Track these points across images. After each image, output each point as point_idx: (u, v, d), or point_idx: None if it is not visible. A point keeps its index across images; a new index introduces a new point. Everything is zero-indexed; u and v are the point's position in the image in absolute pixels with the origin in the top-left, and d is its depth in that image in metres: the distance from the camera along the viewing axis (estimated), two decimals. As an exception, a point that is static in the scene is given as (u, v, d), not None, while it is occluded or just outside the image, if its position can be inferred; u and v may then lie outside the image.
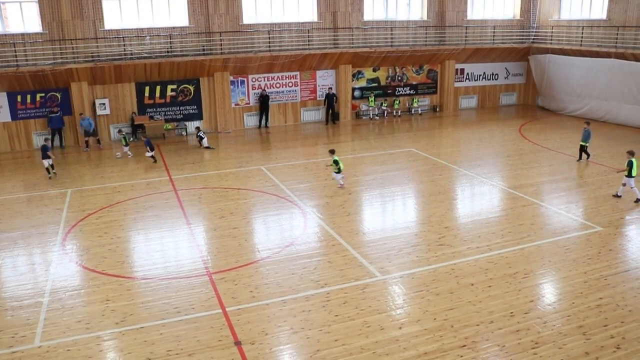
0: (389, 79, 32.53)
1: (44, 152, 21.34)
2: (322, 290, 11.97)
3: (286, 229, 15.92)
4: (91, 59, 26.03)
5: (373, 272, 12.73)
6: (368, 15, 31.32)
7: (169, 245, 14.81)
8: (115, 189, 19.68)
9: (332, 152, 19.21)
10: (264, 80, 29.74)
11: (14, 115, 26.18)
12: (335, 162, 18.69)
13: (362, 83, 32.04)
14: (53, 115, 26.09)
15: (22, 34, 25.61)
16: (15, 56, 25.22)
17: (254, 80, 29.58)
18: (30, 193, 19.80)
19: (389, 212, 17.38)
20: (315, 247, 14.44)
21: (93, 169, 22.60)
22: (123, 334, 10.53)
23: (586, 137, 21.56)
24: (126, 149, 24.25)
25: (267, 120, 30.11)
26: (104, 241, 15.04)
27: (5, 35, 25.45)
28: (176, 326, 10.70)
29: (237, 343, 10.06)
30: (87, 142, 26.06)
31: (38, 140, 26.21)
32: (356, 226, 15.97)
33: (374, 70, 32.03)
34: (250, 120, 30.11)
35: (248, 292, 11.97)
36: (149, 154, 22.78)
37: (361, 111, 32.19)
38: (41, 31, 25.74)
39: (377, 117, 32.09)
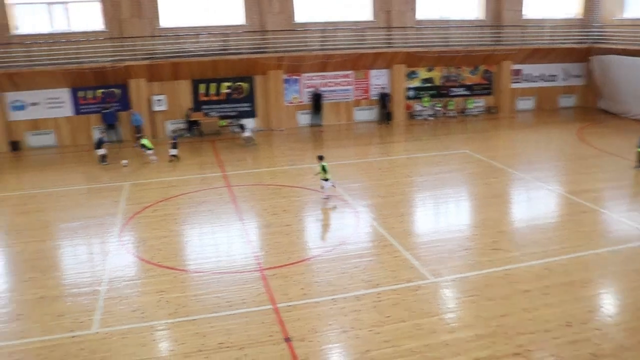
0: (444, 79, 32.10)
1: (99, 143, 22.52)
2: (373, 290, 11.91)
3: (338, 227, 15.93)
4: (149, 56, 26.68)
5: (425, 275, 12.58)
6: (422, 14, 30.88)
7: (221, 240, 15.04)
8: (170, 184, 20.11)
9: (320, 158, 17.72)
10: (317, 79, 29.83)
11: (77, 110, 27.18)
12: (323, 169, 17.42)
13: (416, 83, 31.73)
14: (106, 111, 26.95)
15: (85, 32, 26.50)
16: (78, 53, 26.12)
17: (307, 78, 29.71)
18: (90, 185, 20.48)
19: (442, 214, 17.15)
20: (367, 247, 14.38)
21: (149, 164, 23.11)
22: (176, 325, 10.76)
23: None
24: (150, 152, 23.28)
25: (320, 118, 30.18)
26: (159, 234, 15.40)
27: (69, 33, 26.43)
28: (227, 320, 10.85)
29: (287, 339, 10.12)
30: (139, 137, 26.71)
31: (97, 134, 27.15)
32: (409, 227, 15.83)
33: (428, 70, 31.67)
34: (303, 119, 30.25)
35: (299, 289, 12.02)
36: (172, 152, 23.18)
37: (415, 111, 31.87)
38: (103, 29, 26.57)
39: (431, 118, 31.70)
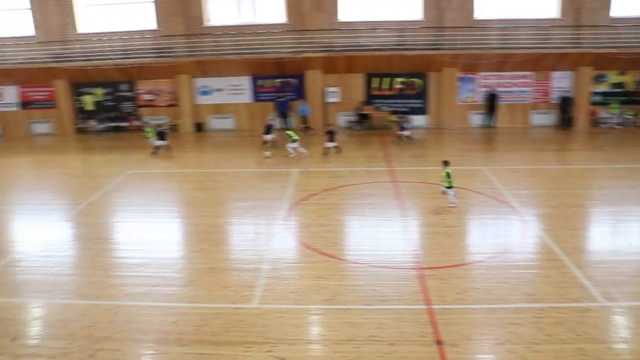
0: (638, 84, 29.00)
1: (268, 129, 23.76)
2: (535, 305, 11.09)
3: (503, 235, 15.11)
4: (326, 49, 27.43)
5: (596, 297, 11.44)
6: (618, 12, 27.96)
7: (382, 234, 14.99)
8: (337, 174, 20.53)
9: (445, 163, 16.54)
10: (494, 79, 28.59)
11: (255, 97, 28.89)
12: (447, 175, 16.27)
13: (604, 87, 29.06)
14: (280, 100, 28.27)
15: (268, 25, 28.00)
16: (261, 44, 27.68)
17: (483, 78, 28.61)
18: (262, 169, 21.59)
19: (623, 233, 15.49)
20: (533, 258, 13.47)
21: (317, 152, 23.79)
22: (330, 312, 10.91)
23: None
24: (295, 144, 22.92)
25: (494, 119, 28.91)
26: (323, 221, 15.76)
27: (254, 25, 28.11)
28: (380, 314, 10.77)
29: (439, 342, 9.78)
30: (306, 127, 27.65)
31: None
32: (581, 243, 14.55)
33: (620, 74, 28.81)
34: (476, 119, 29.19)
35: (456, 293, 11.58)
36: (330, 144, 23.19)
37: (600, 118, 29.23)
38: (284, 22, 27.85)
39: (619, 127, 28.83)
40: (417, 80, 28.48)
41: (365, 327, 10.30)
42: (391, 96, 28.73)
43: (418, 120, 28.52)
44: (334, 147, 23.23)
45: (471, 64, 27.73)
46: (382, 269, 12.72)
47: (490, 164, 21.74)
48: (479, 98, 28.89)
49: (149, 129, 25.48)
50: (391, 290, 11.64)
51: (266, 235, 15.22)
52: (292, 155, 22.71)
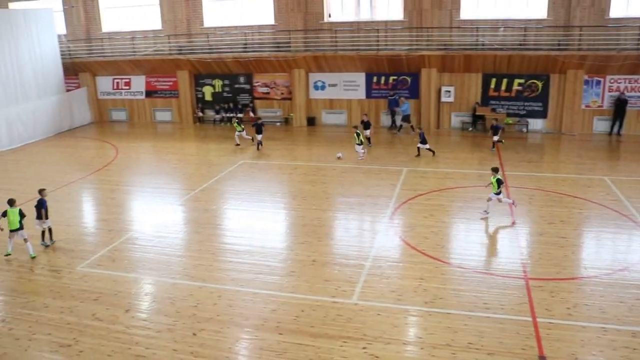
0: None
1: (366, 125, 24.22)
2: (656, 330, 10.22)
3: (622, 250, 14.04)
4: (443, 47, 26.84)
5: None
6: None
7: (489, 240, 14.47)
8: (447, 175, 20.06)
9: (495, 170, 15.85)
10: (624, 82, 26.58)
11: (368, 94, 28.87)
12: (499, 182, 15.58)
13: None
14: (391, 97, 28.02)
15: (385, 21, 27.86)
16: (377, 41, 27.61)
17: (611, 81, 26.68)
18: (371, 166, 21.53)
19: None
20: (657, 278, 12.41)
21: (429, 152, 23.39)
22: (429, 314, 10.69)
23: None
24: (361, 148, 22.38)
25: (620, 127, 26.91)
26: (429, 222, 15.47)
27: (372, 22, 28.08)
28: (482, 321, 10.40)
29: (542, 358, 9.28)
30: (411, 126, 27.45)
31: (385, 120, 28.63)
32: None
33: None
34: (600, 125, 27.28)
35: (564, 308, 10.92)
36: (422, 146, 22.50)
37: None
38: (402, 19, 27.56)
39: None
40: (537, 82, 27.11)
41: (464, 333, 10.01)
42: (509, 98, 27.56)
43: (536, 124, 27.17)
44: (427, 149, 22.71)
45: (599, 66, 25.93)
46: (486, 275, 12.29)
47: (613, 174, 20.26)
48: (606, 103, 27.00)
49: (236, 123, 26.24)
50: (495, 299, 11.21)
51: (370, 232, 15.21)
52: (360, 158, 22.33)
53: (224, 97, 31.78)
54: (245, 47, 29.92)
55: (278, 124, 30.67)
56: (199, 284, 12.36)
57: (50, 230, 14.94)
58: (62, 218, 17.02)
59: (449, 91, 27.78)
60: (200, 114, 32.36)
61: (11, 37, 28.52)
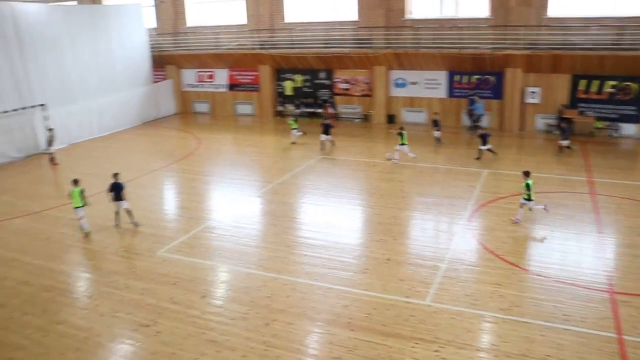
0: None
1: (435, 124, 24.19)
2: None
3: None
4: (530, 46, 25.91)
5: None
6: None
7: (572, 249, 13.85)
8: (528, 179, 19.37)
9: (526, 174, 15.43)
10: None
11: (450, 93, 28.32)
12: (527, 187, 15.11)
13: None
14: (470, 97, 27.55)
15: (470, 19, 27.20)
16: (460, 39, 27.00)
17: None
18: (450, 166, 21.14)
19: None
20: None
21: (511, 154, 22.69)
22: (505, 322, 10.40)
23: None
24: (401, 147, 21.78)
25: None
26: (508, 227, 15.02)
27: (456, 19, 27.50)
28: (561, 333, 10.00)
29: (628, 377, 8.83)
30: (475, 126, 27.08)
31: (465, 119, 28.00)
32: None
33: None
34: (701, 132, 25.55)
35: (655, 326, 10.33)
36: (483, 147, 21.78)
37: None
38: (487, 17, 26.81)
39: None
40: (632, 85, 25.63)
41: (542, 344, 9.67)
42: (599, 100, 26.20)
43: (629, 129, 25.75)
44: (488, 149, 21.94)
45: (702, 70, 24.26)
46: (568, 285, 11.79)
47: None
48: None
49: (292, 121, 26.26)
50: (576, 311, 10.75)
51: (447, 233, 14.94)
52: (395, 161, 21.76)
53: (304, 92, 32.08)
54: (327, 43, 30.06)
55: (357, 120, 30.65)
56: (274, 275, 12.57)
57: (129, 211, 15.82)
58: (145, 204, 17.82)
59: (535, 92, 26.79)
60: (280, 108, 32.81)
61: (104, 32, 30.07)
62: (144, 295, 11.87)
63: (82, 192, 15.16)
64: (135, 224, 15.77)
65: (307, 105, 31.84)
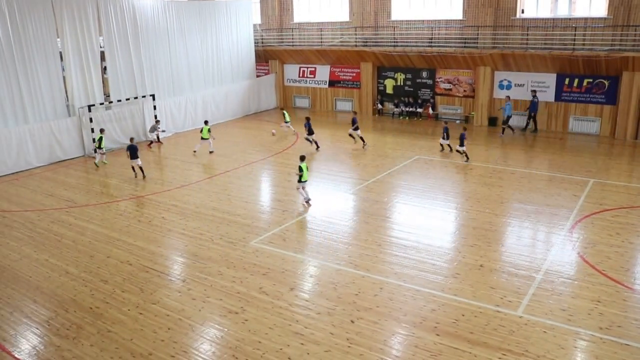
0: None
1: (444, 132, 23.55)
2: None
3: None
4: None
5: None
6: None
7: (685, 269, 12.82)
8: None
9: (302, 158, 17.37)
10: None
11: (558, 97, 26.94)
12: (300, 169, 16.94)
13: None
14: (534, 100, 26.89)
15: (585, 18, 25.73)
16: (574, 40, 25.62)
17: None
18: (553, 174, 20.17)
19: None
20: None
21: (623, 164, 21.30)
22: (603, 342, 9.76)
23: None
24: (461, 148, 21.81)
25: None
26: (613, 241, 14.10)
27: (570, 19, 26.09)
28: (668, 361, 9.27)
29: None
30: (503, 129, 26.67)
31: (573, 125, 26.64)
32: None
33: None
34: None
35: None
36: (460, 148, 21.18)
37: None
38: (605, 16, 25.24)
39: None
40: None
41: (644, 369, 9.00)
42: None
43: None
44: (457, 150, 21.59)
45: None
46: (678, 309, 10.90)
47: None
48: None
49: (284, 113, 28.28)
50: (687, 337, 9.91)
51: (545, 243, 14.25)
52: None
53: (405, 90, 31.75)
54: (431, 42, 29.56)
55: (458, 121, 29.94)
56: (362, 273, 12.55)
57: (141, 167, 20.79)
58: (242, 195, 18.42)
59: (654, 98, 24.94)
60: (380, 107, 32.68)
61: (214, 26, 31.39)
62: (234, 283, 12.24)
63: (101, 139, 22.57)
64: (144, 176, 20.61)
65: (407, 105, 31.48)
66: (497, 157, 22.44)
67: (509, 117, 26.69)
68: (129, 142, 21.47)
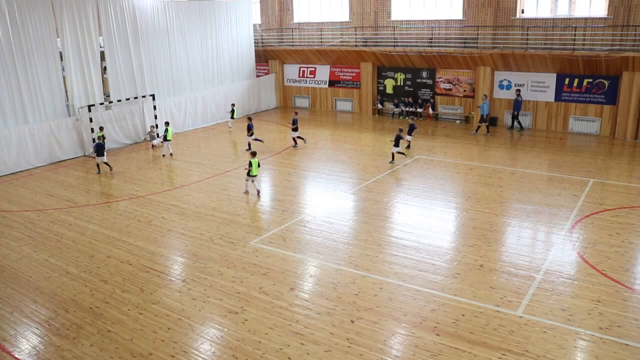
0: None
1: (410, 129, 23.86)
2: None
3: None
4: (653, 49, 24.16)
5: None
6: None
7: (685, 268, 12.82)
8: None
9: (253, 154, 18.35)
10: None
11: (557, 97, 26.96)
12: (250, 164, 18.04)
13: None
14: (518, 99, 27.19)
15: (585, 18, 25.74)
16: (574, 40, 25.63)
17: None
18: (553, 173, 20.18)
19: None
20: None
21: (622, 164, 21.30)
22: (603, 342, 9.76)
23: None
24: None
25: None
26: (613, 241, 14.10)
27: (570, 19, 26.11)
28: (668, 360, 9.27)
29: None
30: (478, 127, 27.06)
31: (573, 125, 26.62)
32: None
33: None
34: None
35: None
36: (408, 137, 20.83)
37: None
38: (605, 16, 25.25)
39: None
40: None
41: (644, 369, 9.00)
42: None
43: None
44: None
45: None
46: (678, 308, 10.90)
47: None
48: None
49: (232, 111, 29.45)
50: (687, 337, 9.92)
51: (545, 243, 14.25)
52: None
53: (405, 90, 31.77)
54: (431, 42, 29.57)
55: (458, 121, 29.96)
56: (362, 273, 12.56)
57: (106, 163, 21.73)
58: (242, 195, 18.41)
59: (652, 98, 24.95)
60: (380, 106, 32.69)
61: (214, 26, 31.40)
62: (234, 283, 12.25)
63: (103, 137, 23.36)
64: (111, 168, 21.78)
65: (407, 105, 31.49)
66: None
67: (486, 116, 26.84)
68: (100, 141, 22.53)
